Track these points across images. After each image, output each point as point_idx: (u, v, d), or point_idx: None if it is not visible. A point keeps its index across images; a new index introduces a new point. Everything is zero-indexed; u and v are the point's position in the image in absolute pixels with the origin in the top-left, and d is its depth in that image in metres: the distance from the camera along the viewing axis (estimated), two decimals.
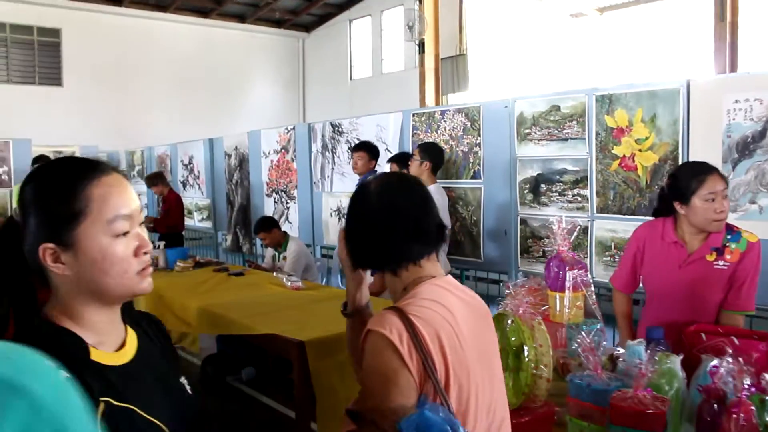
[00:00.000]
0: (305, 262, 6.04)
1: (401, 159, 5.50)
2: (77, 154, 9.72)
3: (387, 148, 6.13)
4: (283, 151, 7.40)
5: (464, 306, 1.59)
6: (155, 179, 7.84)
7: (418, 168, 5.13)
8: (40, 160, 7.26)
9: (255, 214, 7.97)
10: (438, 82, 13.59)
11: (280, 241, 6.06)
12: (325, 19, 17.98)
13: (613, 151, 4.57)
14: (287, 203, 7.41)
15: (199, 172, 9.19)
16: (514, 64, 14.10)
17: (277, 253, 6.13)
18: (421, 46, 13.50)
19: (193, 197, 9.41)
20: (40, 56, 15.43)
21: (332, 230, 6.85)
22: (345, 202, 6.53)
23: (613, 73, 11.86)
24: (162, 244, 5.96)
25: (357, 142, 6.40)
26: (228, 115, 16.75)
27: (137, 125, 15.53)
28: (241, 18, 17.54)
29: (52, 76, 15.53)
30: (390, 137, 6.12)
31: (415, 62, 15.90)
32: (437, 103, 12.17)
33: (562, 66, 13.54)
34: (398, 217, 1.61)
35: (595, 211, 4.72)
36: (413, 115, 5.95)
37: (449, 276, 1.68)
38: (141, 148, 11.12)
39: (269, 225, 6.03)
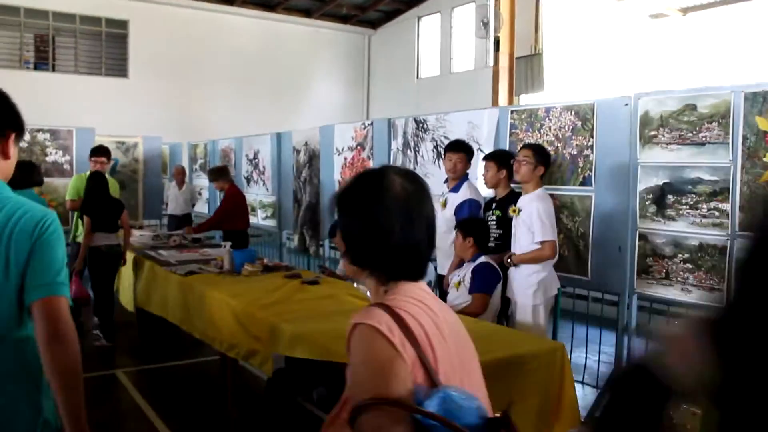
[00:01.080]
0: None
1: (500, 158, 4.80)
2: (140, 145, 9.29)
3: (480, 148, 5.45)
4: (358, 147, 6.78)
5: (441, 308, 1.59)
6: (217, 174, 7.30)
7: (530, 172, 4.45)
8: (99, 150, 6.80)
9: (325, 215, 7.38)
10: (512, 82, 12.85)
11: None
12: (392, 16, 17.36)
13: (765, 159, 3.80)
14: None
15: (264, 167, 8.65)
16: (593, 64, 13.25)
17: None
18: (496, 43, 12.78)
19: (257, 194, 8.87)
20: (107, 47, 15.20)
21: None
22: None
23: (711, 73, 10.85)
24: (228, 244, 5.39)
25: (444, 140, 5.74)
26: (290, 112, 16.26)
27: (200, 119, 15.18)
28: (307, 13, 17.06)
29: (119, 68, 15.30)
30: (484, 136, 5.44)
31: (486, 61, 15.19)
32: (510, 104, 11.43)
33: (644, 67, 12.68)
34: (417, 226, 1.54)
35: (736, 229, 3.95)
36: (512, 112, 5.26)
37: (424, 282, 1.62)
38: (204, 141, 10.66)
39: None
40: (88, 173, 6.62)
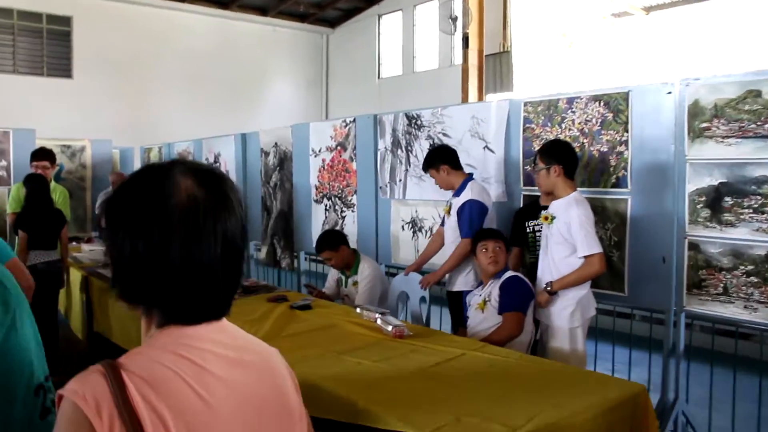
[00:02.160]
0: (381, 290, 4.61)
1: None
2: (87, 149, 8.27)
3: (487, 146, 4.70)
4: (339, 148, 5.95)
5: (240, 374, 1.11)
6: None
7: (546, 178, 3.72)
8: (42, 153, 5.81)
9: (299, 224, 6.53)
10: (481, 80, 12.21)
11: (350, 262, 4.61)
12: (351, 14, 16.59)
13: None
14: (342, 212, 5.97)
15: (227, 171, 7.73)
16: (562, 62, 12.69)
17: (343, 277, 4.69)
18: (465, 40, 12.12)
19: None
20: (49, 46, 14.01)
21: (404, 248, 5.40)
22: (423, 213, 5.12)
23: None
24: None
25: (443, 137, 4.97)
26: (248, 113, 15.37)
27: (152, 122, 14.16)
28: (262, 11, 16.16)
29: (62, 67, 14.13)
30: (492, 132, 4.68)
31: (452, 60, 14.54)
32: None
33: (611, 64, 12.20)
34: (206, 247, 1.08)
35: None
36: (526, 104, 4.51)
37: (227, 323, 1.16)
38: (159, 144, 9.66)
39: (336, 241, 4.59)
40: None
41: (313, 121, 6.40)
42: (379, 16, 15.98)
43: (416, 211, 5.28)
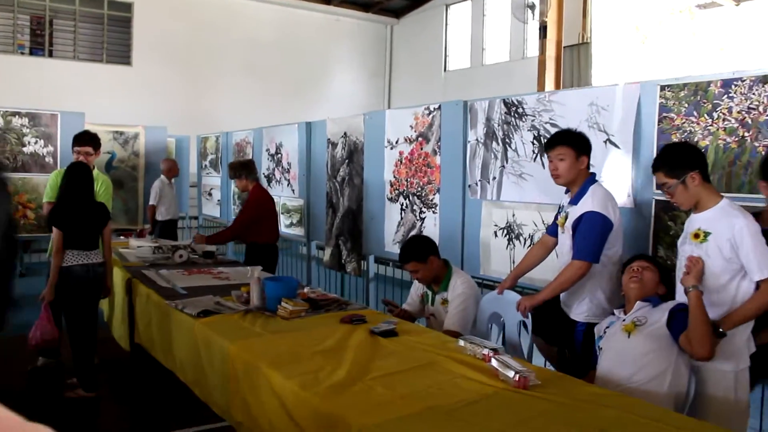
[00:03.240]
0: (475, 312, 3.76)
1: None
2: (141, 137, 7.64)
3: (609, 139, 3.80)
4: (420, 139, 5.12)
5: None
6: (240, 169, 5.54)
7: (686, 192, 2.84)
8: (84, 138, 5.10)
9: (369, 224, 5.72)
10: (559, 73, 11.21)
11: (440, 276, 3.77)
12: (418, 4, 15.69)
13: None
14: (422, 212, 5.13)
15: (289, 164, 6.99)
16: (646, 54, 11.59)
17: (430, 293, 3.85)
18: (542, 30, 11.14)
19: (281, 196, 7.20)
20: (109, 32, 13.55)
21: (496, 258, 4.53)
22: (522, 218, 4.25)
23: None
24: (257, 271, 3.73)
25: (551, 129, 4.09)
26: (305, 105, 14.64)
27: (209, 111, 13.55)
28: (325, 0, 15.39)
29: (121, 54, 13.64)
30: (616, 122, 3.77)
31: (524, 52, 13.54)
32: None
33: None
34: None
35: None
36: (663, 88, 3.59)
37: None
38: (216, 133, 8.99)
39: (425, 251, 3.74)
40: None
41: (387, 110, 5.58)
42: (447, 6, 15.06)
43: (513, 215, 4.41)
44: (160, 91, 13.32)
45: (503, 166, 4.49)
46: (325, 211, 6.40)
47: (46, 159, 6.39)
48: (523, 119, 4.33)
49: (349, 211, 6.02)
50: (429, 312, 3.87)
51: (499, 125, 4.51)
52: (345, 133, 6.07)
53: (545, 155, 3.73)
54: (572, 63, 12.08)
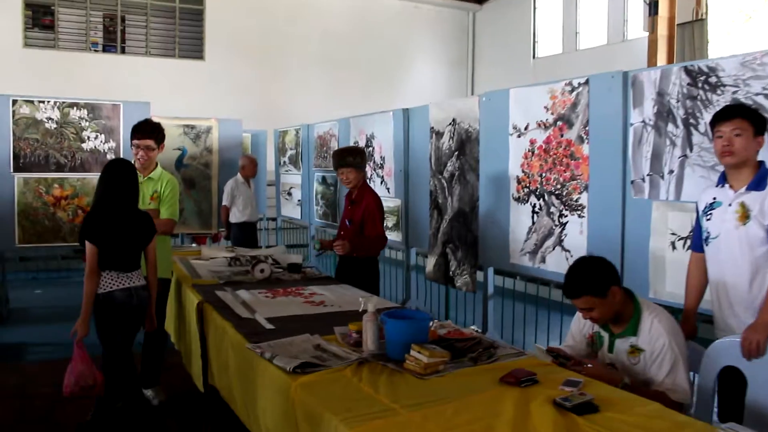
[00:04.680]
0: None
1: None
2: (214, 131, 6.74)
3: None
4: (560, 123, 3.98)
5: None
6: (357, 156, 4.26)
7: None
8: (145, 127, 4.12)
9: (488, 230, 4.61)
10: (672, 52, 9.88)
11: (623, 313, 2.63)
12: None
13: None
14: (562, 216, 3.99)
15: (383, 158, 5.94)
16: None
17: (606, 335, 2.71)
18: (654, 5, 9.79)
19: None
20: (181, 26, 12.86)
21: (674, 276, 3.35)
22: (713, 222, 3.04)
23: None
24: (370, 303, 2.64)
25: (765, 101, 2.90)
26: (384, 96, 13.60)
27: (283, 105, 12.71)
28: None
29: (194, 49, 12.94)
30: None
31: (624, 34, 12.14)
32: None
33: None
34: None
35: None
36: None
37: None
38: (295, 126, 8.04)
39: (606, 279, 2.58)
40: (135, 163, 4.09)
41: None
42: None
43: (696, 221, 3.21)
44: (233, 85, 12.56)
45: (685, 156, 3.31)
46: (428, 213, 5.33)
47: (108, 156, 5.53)
48: (720, 91, 3.13)
49: (459, 213, 4.93)
50: (604, 360, 2.74)
51: (678, 101, 3.33)
52: (453, 120, 4.97)
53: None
54: (683, 42, 10.61)
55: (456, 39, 15.25)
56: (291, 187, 8.21)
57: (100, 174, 3.53)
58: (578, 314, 2.87)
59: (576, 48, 12.96)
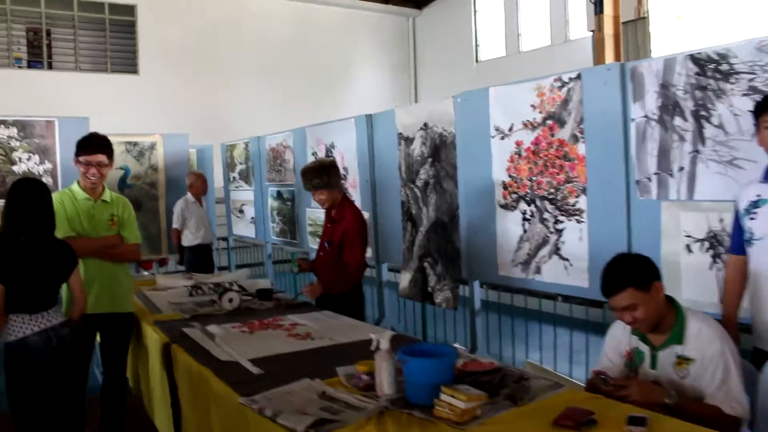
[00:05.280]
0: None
1: None
2: (159, 147, 6.21)
3: None
4: (550, 122, 3.66)
5: None
6: (326, 175, 3.85)
7: None
8: (93, 142, 3.47)
9: (472, 240, 4.26)
10: (619, 51, 9.85)
11: (665, 319, 2.32)
12: None
13: None
14: (557, 222, 3.67)
15: (346, 170, 5.52)
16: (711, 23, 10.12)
17: (646, 348, 2.38)
18: (598, 5, 9.73)
19: None
20: (112, 39, 12.16)
21: (692, 282, 3.06)
22: (728, 221, 2.81)
23: None
24: (383, 338, 2.23)
25: None
26: (327, 105, 13.24)
27: (225, 117, 12.18)
28: None
29: (127, 62, 12.26)
30: None
31: (566, 35, 12.11)
32: None
33: None
34: None
35: None
36: None
37: None
38: (244, 139, 7.55)
39: (649, 272, 2.28)
40: (74, 183, 3.56)
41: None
42: None
43: (721, 220, 2.93)
44: (171, 99, 11.93)
45: (697, 151, 3.03)
46: (400, 225, 4.95)
47: (44, 179, 4.92)
48: (733, 79, 2.86)
49: (437, 224, 4.56)
50: (650, 377, 2.40)
51: (686, 93, 3.05)
52: (425, 125, 4.61)
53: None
54: (626, 40, 10.61)
55: (397, 45, 15.00)
56: (243, 204, 7.70)
57: (6, 197, 3.01)
58: (611, 332, 2.56)
59: (519, 50, 12.88)
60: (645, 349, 2.40)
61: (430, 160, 4.60)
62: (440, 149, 4.49)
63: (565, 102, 3.57)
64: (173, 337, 3.08)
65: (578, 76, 3.52)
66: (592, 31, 10.68)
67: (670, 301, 2.37)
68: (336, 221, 3.86)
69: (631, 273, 2.28)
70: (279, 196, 6.79)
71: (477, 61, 13.70)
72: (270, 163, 6.87)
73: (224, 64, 12.73)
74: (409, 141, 4.80)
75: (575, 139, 3.54)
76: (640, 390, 2.18)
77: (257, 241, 7.71)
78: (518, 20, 12.84)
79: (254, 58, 12.98)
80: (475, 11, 13.69)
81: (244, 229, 7.80)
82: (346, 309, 3.68)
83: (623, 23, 10.05)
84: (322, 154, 5.86)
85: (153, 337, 3.24)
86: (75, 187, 3.50)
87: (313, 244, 6.17)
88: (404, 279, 4.94)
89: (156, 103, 11.73)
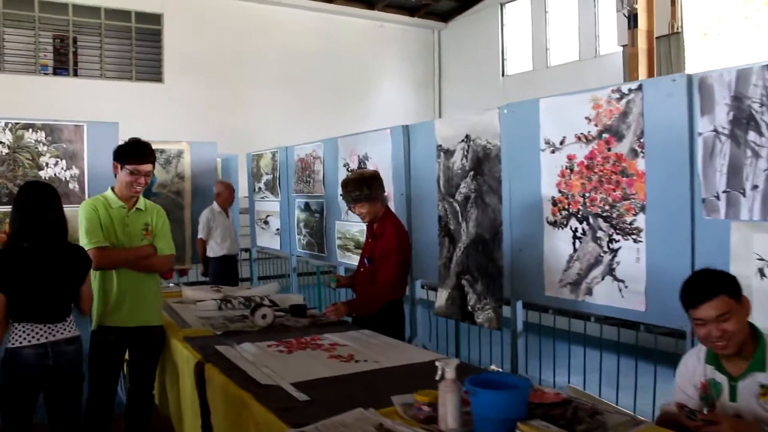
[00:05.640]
0: None
1: None
2: (186, 155, 6.05)
3: None
4: (606, 136, 3.45)
5: None
6: (369, 187, 3.63)
7: None
8: (142, 149, 3.33)
9: (518, 259, 4.04)
10: (652, 66, 9.62)
11: (747, 344, 2.12)
12: (468, 5, 14.13)
13: None
14: (613, 241, 3.45)
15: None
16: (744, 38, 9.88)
17: (723, 381, 2.16)
18: (632, 19, 9.53)
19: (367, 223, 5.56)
20: (138, 47, 12.11)
21: (765, 308, 2.83)
22: None
23: None
24: (448, 368, 2.01)
25: None
26: (350, 118, 13.11)
27: (248, 127, 12.10)
28: (369, 4, 13.90)
29: (152, 71, 12.20)
30: None
31: (596, 50, 11.90)
32: None
33: None
34: None
35: None
36: None
37: None
38: (271, 149, 7.39)
39: (737, 285, 2.10)
40: (108, 190, 3.38)
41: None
42: (502, 5, 13.48)
43: None
44: (196, 108, 11.85)
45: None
46: (436, 241, 4.74)
47: (70, 185, 4.78)
48: None
49: (478, 240, 4.35)
50: (726, 412, 2.18)
51: (763, 105, 2.83)
52: (467, 137, 4.41)
53: None
54: (659, 55, 10.37)
55: (422, 58, 14.86)
56: (268, 215, 7.53)
57: (13, 202, 2.88)
58: (683, 362, 2.34)
59: (547, 65, 12.68)
60: (722, 379, 2.18)
61: (471, 173, 4.39)
62: (483, 162, 4.29)
63: (624, 114, 3.36)
64: (206, 355, 2.89)
65: (639, 87, 3.30)
66: (623, 45, 10.51)
67: (750, 326, 2.16)
68: (377, 236, 3.66)
69: (723, 280, 2.12)
70: (307, 207, 6.61)
71: (503, 75, 13.52)
72: (298, 174, 6.70)
73: (249, 75, 12.64)
74: (449, 153, 4.60)
75: (634, 153, 3.32)
76: (733, 427, 1.96)
77: (281, 253, 7.53)
78: (547, 34, 12.65)
79: (278, 68, 12.89)
80: (502, 25, 13.52)
81: (268, 240, 7.62)
82: (384, 328, 3.47)
83: (656, 38, 9.82)
84: (354, 166, 5.68)
85: (184, 355, 3.04)
86: (110, 194, 3.34)
87: (342, 257, 5.99)
88: (440, 297, 4.73)
89: (180, 113, 11.65)
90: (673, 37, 10.29)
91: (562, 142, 3.69)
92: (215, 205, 6.27)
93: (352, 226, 5.76)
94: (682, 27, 10.31)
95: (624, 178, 3.38)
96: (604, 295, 3.51)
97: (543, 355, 4.80)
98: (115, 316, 3.22)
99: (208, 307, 3.99)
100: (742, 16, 10.07)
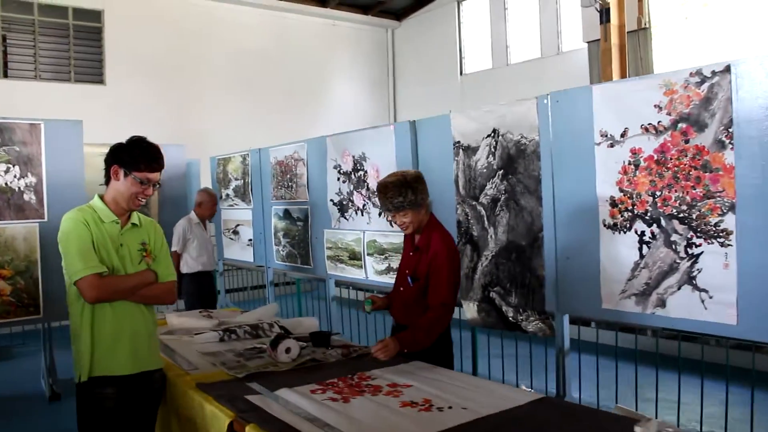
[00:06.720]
0: None
1: None
2: None
3: None
4: (683, 126, 2.97)
5: None
6: (407, 189, 2.95)
7: None
8: (150, 153, 2.54)
9: (566, 268, 3.53)
10: (624, 62, 9.36)
11: None
12: (423, 3, 13.67)
13: None
14: (692, 246, 2.97)
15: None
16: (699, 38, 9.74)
17: None
18: (605, 13, 9.25)
19: (365, 230, 4.97)
20: (76, 45, 11.10)
21: None
22: None
23: None
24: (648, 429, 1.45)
25: None
26: (304, 119, 12.50)
27: (199, 132, 11.28)
28: (321, 2, 13.26)
29: (92, 72, 11.21)
30: None
31: (558, 47, 11.61)
32: None
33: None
34: None
35: None
36: None
37: None
38: (242, 152, 6.68)
39: None
40: (96, 199, 2.64)
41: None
42: (459, 2, 13.06)
43: None
44: (141, 111, 10.91)
45: None
46: (457, 247, 4.18)
47: (26, 197, 3.97)
48: None
49: (511, 247, 3.82)
50: None
51: None
52: (494, 131, 3.88)
53: None
54: (632, 50, 10.13)
55: (376, 58, 14.32)
56: (238, 225, 6.81)
57: None
58: None
59: (507, 63, 12.33)
60: None
61: (500, 172, 3.86)
62: (516, 160, 3.76)
63: (707, 101, 2.88)
64: (239, 411, 2.24)
65: (726, 68, 2.83)
66: (589, 42, 10.26)
67: None
68: (421, 250, 3.05)
69: None
70: (287, 215, 5.96)
71: (462, 74, 13.10)
72: (277, 178, 6.03)
73: (197, 76, 11.80)
74: (470, 151, 4.06)
75: (721, 145, 2.85)
76: None
77: (251, 266, 6.84)
78: (506, 31, 12.30)
79: (228, 69, 12.10)
80: (459, 22, 13.11)
81: (238, 252, 6.90)
82: (432, 355, 2.90)
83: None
84: (348, 167, 5.07)
85: (208, 411, 2.37)
86: (99, 204, 2.58)
87: (334, 270, 5.37)
88: (469, 309, 4.17)
89: (124, 116, 10.69)
90: (641, 33, 10.07)
91: (623, 135, 3.19)
92: (193, 214, 5.53)
93: (346, 234, 5.15)
94: (649, 23, 10.10)
95: (707, 174, 2.91)
96: (681, 307, 3.03)
97: (593, 376, 4.28)
98: (111, 362, 2.50)
99: (209, 339, 3.32)
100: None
